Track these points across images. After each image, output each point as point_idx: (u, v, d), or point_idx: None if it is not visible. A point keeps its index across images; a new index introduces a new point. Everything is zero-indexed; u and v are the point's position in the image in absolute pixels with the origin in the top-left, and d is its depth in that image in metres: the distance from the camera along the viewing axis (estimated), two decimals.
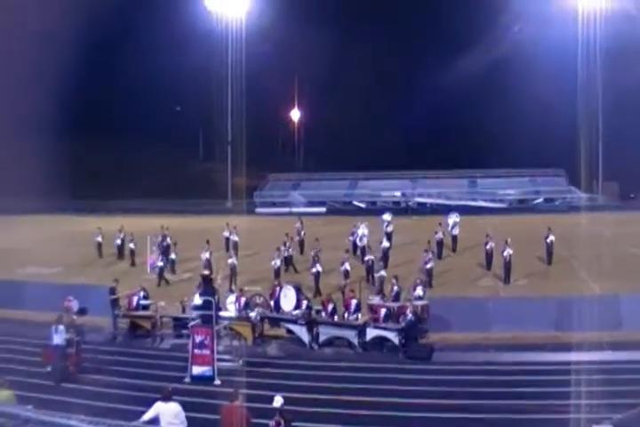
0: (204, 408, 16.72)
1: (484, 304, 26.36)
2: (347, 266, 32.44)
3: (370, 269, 33.46)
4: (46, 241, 48.54)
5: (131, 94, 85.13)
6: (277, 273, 34.10)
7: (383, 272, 31.28)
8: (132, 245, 39.70)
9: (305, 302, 26.24)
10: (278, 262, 34.54)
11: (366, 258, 34.20)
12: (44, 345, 21.30)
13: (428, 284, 30.60)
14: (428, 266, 32.72)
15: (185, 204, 75.08)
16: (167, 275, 35.61)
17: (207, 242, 36.25)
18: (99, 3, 67.22)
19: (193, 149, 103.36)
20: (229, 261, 34.55)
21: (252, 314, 25.12)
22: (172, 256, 37.05)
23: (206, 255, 35.35)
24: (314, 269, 32.49)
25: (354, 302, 25.20)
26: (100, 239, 41.35)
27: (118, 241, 41.11)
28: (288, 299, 26.48)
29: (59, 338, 20.75)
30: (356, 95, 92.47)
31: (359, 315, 25.06)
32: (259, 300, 26.79)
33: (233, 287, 30.81)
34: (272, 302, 27.14)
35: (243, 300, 26.25)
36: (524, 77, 71.57)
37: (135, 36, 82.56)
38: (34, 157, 57.78)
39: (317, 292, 31.41)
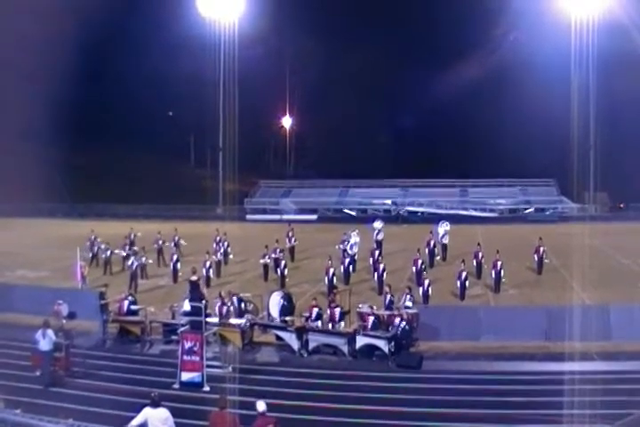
0: (192, 414, 16.67)
1: (474, 313, 26.30)
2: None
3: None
4: (36, 244, 48.45)
5: (123, 100, 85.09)
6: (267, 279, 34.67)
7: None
8: (107, 253, 39.07)
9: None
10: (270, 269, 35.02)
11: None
12: (33, 349, 21.16)
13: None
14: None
15: (176, 209, 75.07)
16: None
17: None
18: (92, 8, 67.23)
19: (184, 154, 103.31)
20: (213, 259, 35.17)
21: (242, 320, 24.97)
22: (143, 260, 36.68)
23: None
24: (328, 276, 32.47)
25: (337, 310, 25.07)
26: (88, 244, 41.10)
27: (90, 245, 40.98)
28: (274, 306, 26.27)
29: (46, 342, 20.62)
30: (348, 103, 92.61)
31: (342, 323, 24.95)
32: (248, 306, 26.64)
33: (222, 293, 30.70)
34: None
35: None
36: (517, 87, 71.93)
37: (128, 41, 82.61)
38: (25, 162, 57.78)
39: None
